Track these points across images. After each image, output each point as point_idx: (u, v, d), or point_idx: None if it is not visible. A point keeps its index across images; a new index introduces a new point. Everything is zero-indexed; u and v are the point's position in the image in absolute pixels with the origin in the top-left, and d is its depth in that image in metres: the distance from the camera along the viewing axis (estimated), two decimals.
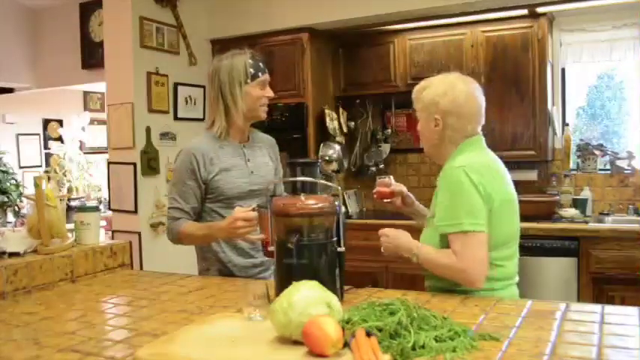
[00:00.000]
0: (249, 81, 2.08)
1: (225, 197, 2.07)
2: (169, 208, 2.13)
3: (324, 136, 4.26)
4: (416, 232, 1.84)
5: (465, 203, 1.62)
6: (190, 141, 2.16)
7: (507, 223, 1.71)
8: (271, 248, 1.57)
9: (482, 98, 1.79)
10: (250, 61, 2.11)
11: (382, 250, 1.79)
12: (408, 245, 1.72)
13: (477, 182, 1.63)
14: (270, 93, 2.15)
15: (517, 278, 1.78)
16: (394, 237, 1.76)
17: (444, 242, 1.67)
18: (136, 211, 3.89)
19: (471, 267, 1.60)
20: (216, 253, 2.10)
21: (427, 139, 1.84)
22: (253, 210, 1.88)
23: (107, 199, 4.79)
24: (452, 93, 1.75)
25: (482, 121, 1.80)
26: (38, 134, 6.66)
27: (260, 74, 2.12)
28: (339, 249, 1.51)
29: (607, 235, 3.36)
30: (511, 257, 1.74)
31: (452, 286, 1.67)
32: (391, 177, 2.08)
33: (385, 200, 2.06)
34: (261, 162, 2.18)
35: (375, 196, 2.06)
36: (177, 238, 2.10)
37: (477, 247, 1.61)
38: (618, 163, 3.94)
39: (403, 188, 2.05)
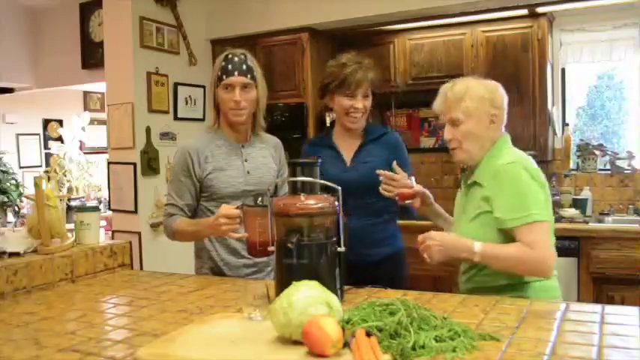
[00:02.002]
0: (218, 83, 2.07)
1: (219, 196, 2.07)
2: (165, 204, 2.18)
3: None
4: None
5: (530, 195, 1.64)
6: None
7: (551, 214, 1.75)
8: (271, 248, 1.57)
9: None
10: (222, 62, 2.06)
11: (427, 257, 1.66)
12: (464, 244, 1.65)
13: (535, 175, 1.68)
14: (235, 97, 2.03)
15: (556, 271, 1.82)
16: (443, 239, 1.66)
17: (504, 239, 1.66)
18: (136, 211, 3.89)
19: (548, 255, 1.64)
20: (208, 251, 2.12)
21: (477, 138, 1.77)
22: (238, 208, 1.87)
23: (107, 199, 4.79)
24: (499, 91, 1.80)
25: None
26: (38, 134, 6.65)
27: (225, 77, 2.04)
28: (339, 249, 1.51)
29: (607, 235, 3.36)
30: (554, 247, 1.77)
31: (501, 282, 1.68)
32: (412, 178, 2.02)
33: (407, 202, 2.00)
34: (261, 163, 2.16)
35: (396, 198, 1.98)
36: (171, 234, 2.13)
37: (549, 236, 1.65)
38: (618, 163, 3.94)
39: (423, 188, 2.03)
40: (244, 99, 2.04)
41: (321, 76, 2.31)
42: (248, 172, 2.11)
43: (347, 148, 2.26)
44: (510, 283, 1.68)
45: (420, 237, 1.68)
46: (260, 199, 1.88)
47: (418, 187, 2.01)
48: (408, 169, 2.16)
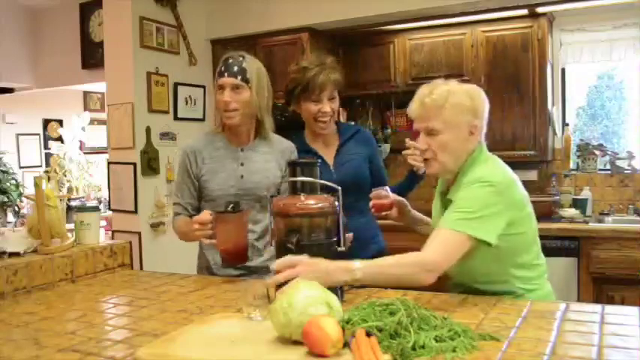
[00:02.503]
0: (215, 84, 2.09)
1: (211, 198, 2.09)
2: (173, 204, 2.22)
3: None
4: (421, 239, 1.76)
5: (477, 212, 1.53)
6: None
7: (533, 221, 1.69)
8: (274, 253, 1.56)
9: None
10: (221, 65, 2.05)
11: (292, 274, 1.40)
12: (342, 265, 1.45)
13: (501, 189, 1.56)
14: (224, 97, 2.01)
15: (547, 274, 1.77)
16: (318, 266, 1.42)
17: (487, 256, 1.58)
18: (136, 211, 3.89)
19: (434, 260, 1.49)
20: (204, 251, 2.16)
21: (454, 150, 1.64)
22: (211, 214, 1.88)
23: (107, 199, 4.79)
24: (481, 98, 1.67)
25: None
26: (38, 134, 6.65)
27: (218, 78, 2.04)
28: (339, 249, 1.51)
29: (607, 235, 3.36)
30: (541, 253, 1.73)
31: (485, 285, 1.64)
32: (387, 188, 1.97)
33: (383, 213, 1.94)
34: (260, 167, 2.10)
35: (372, 210, 1.94)
36: (176, 233, 2.17)
37: (455, 249, 1.52)
38: (618, 163, 3.95)
39: (399, 197, 1.97)
40: (235, 100, 2.01)
41: (284, 82, 2.26)
42: (242, 177, 2.08)
43: (325, 149, 2.26)
44: (502, 290, 1.63)
45: (285, 261, 1.44)
46: (231, 205, 1.88)
47: (393, 197, 1.94)
48: (383, 168, 2.30)
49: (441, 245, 1.53)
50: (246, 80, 2.02)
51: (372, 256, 2.14)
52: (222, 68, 2.04)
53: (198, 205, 2.13)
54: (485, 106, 1.68)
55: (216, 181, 2.08)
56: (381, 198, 1.94)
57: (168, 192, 3.98)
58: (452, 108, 1.62)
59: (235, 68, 2.02)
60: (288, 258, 1.45)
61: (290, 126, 4.48)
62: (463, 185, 1.62)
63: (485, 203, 1.54)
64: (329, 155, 2.25)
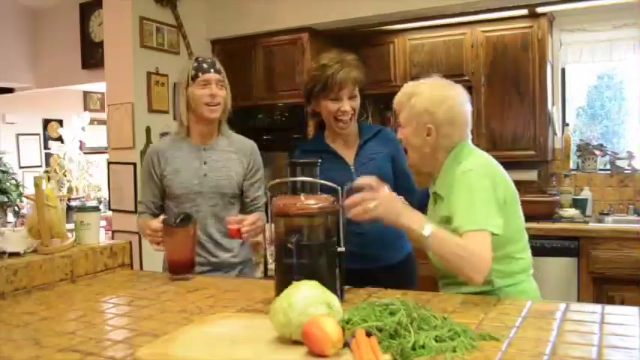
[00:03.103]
0: (191, 82, 2.17)
1: (174, 196, 2.19)
2: (138, 202, 2.36)
3: None
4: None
5: (483, 204, 1.58)
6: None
7: (518, 214, 1.71)
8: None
9: (469, 104, 1.76)
10: (195, 64, 2.18)
11: (361, 211, 1.54)
12: (417, 216, 1.56)
13: (490, 183, 1.62)
14: (211, 91, 2.14)
15: (532, 270, 1.77)
16: (396, 203, 1.57)
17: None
18: (136, 211, 3.87)
19: (487, 259, 1.51)
20: None
21: (416, 148, 1.75)
22: (163, 222, 1.97)
23: (107, 199, 4.79)
24: (447, 102, 1.70)
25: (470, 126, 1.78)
26: (38, 134, 6.66)
27: (200, 74, 2.15)
28: (339, 249, 1.51)
29: (607, 235, 3.36)
30: (527, 248, 1.74)
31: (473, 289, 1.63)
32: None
33: None
34: (222, 166, 2.20)
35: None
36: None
37: (489, 246, 1.55)
38: (618, 163, 3.95)
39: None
40: (219, 94, 2.17)
41: (304, 81, 2.19)
42: (205, 175, 2.18)
43: (345, 150, 2.16)
44: (483, 290, 1.63)
45: (370, 181, 1.63)
46: (180, 217, 1.95)
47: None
48: (409, 171, 2.16)
49: (484, 246, 1.53)
50: (224, 79, 2.22)
51: (398, 262, 2.12)
52: (205, 65, 2.17)
53: (161, 203, 2.26)
54: (452, 111, 1.70)
55: (179, 179, 2.18)
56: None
57: None
58: (410, 108, 1.73)
59: (216, 66, 2.19)
60: (374, 179, 1.65)
61: (290, 126, 4.47)
62: (451, 184, 1.67)
63: (475, 189, 1.60)
64: (349, 155, 2.15)
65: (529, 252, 1.76)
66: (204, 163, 2.19)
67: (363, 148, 2.16)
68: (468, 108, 1.75)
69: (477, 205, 1.58)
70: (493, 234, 1.55)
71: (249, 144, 2.31)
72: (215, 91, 2.15)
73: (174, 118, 4.14)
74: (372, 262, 2.04)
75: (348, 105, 2.07)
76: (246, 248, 2.28)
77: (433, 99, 1.71)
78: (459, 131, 1.73)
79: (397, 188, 1.89)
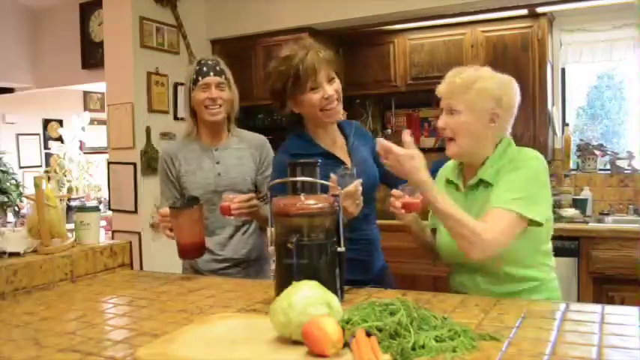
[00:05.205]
0: (193, 87, 2.19)
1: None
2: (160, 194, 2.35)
3: None
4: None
5: (535, 191, 1.59)
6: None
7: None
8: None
9: None
10: (196, 67, 2.19)
11: (388, 163, 1.58)
12: (431, 180, 1.55)
13: (547, 175, 1.65)
14: (211, 94, 2.15)
15: None
16: (417, 156, 1.54)
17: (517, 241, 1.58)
18: (135, 211, 3.89)
19: (495, 238, 1.51)
20: None
21: (473, 134, 1.66)
22: (171, 207, 1.99)
23: (107, 199, 4.79)
24: (512, 90, 1.68)
25: None
26: (38, 134, 6.66)
27: (200, 78, 2.17)
28: (339, 249, 1.51)
29: (607, 235, 3.36)
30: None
31: (505, 290, 1.64)
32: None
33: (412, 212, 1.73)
34: (235, 163, 2.23)
35: (402, 210, 1.68)
36: None
37: (513, 231, 1.55)
38: (618, 163, 3.95)
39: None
40: (220, 96, 2.17)
41: (267, 83, 1.90)
42: (219, 174, 2.21)
43: (338, 150, 1.91)
44: (516, 290, 1.65)
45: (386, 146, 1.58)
46: (181, 201, 2.00)
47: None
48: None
49: (498, 224, 1.54)
50: (227, 80, 2.22)
51: (377, 276, 1.95)
52: (205, 69, 2.18)
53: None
54: (513, 98, 1.69)
55: (195, 180, 2.20)
56: (411, 195, 1.68)
57: None
58: (477, 92, 1.64)
59: (217, 68, 2.20)
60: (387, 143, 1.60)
61: (290, 126, 4.46)
62: (507, 169, 1.65)
63: (535, 182, 1.60)
64: (344, 156, 1.90)
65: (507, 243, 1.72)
66: (217, 163, 2.22)
67: (352, 147, 1.93)
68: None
69: (526, 188, 1.58)
70: (533, 221, 1.56)
71: (261, 139, 2.33)
72: (214, 95, 2.16)
73: (175, 118, 4.16)
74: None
75: (331, 89, 1.79)
76: (260, 244, 2.27)
77: (500, 82, 1.67)
78: (511, 120, 1.72)
79: (386, 179, 1.90)
